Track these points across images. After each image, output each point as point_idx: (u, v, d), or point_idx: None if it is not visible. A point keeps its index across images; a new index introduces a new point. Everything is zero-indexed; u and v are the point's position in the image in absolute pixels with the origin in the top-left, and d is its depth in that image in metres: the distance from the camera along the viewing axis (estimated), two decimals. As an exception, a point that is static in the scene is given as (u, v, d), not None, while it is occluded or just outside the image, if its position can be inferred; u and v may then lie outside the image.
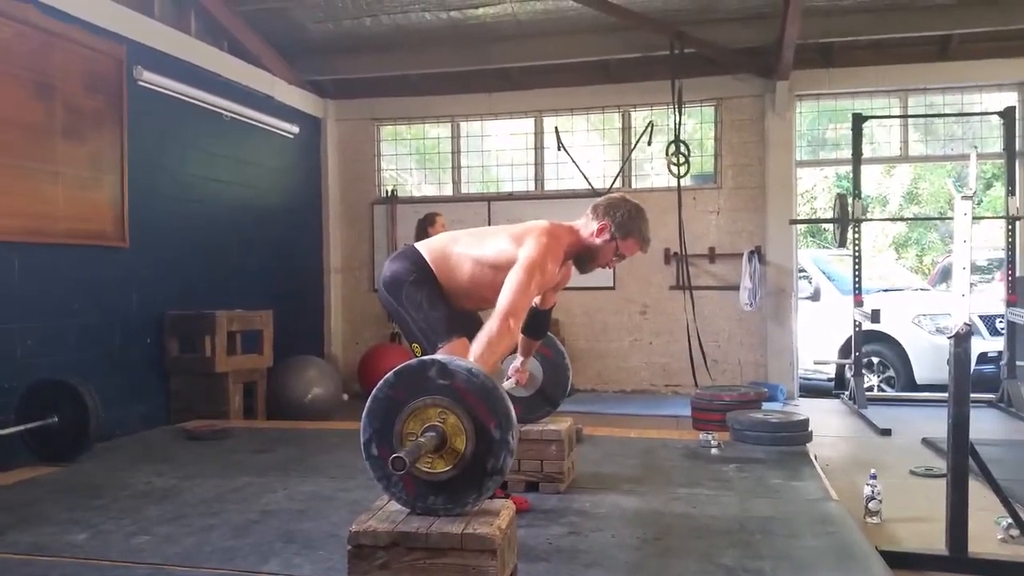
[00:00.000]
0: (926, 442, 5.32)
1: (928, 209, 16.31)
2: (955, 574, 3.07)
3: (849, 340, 7.39)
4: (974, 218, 3.16)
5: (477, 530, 2.33)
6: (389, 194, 8.79)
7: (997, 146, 7.42)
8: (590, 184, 8.25)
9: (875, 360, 8.07)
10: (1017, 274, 7.08)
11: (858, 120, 7.16)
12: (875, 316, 6.65)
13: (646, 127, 8.05)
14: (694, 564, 2.83)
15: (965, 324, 3.05)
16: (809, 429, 4.75)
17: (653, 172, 8.40)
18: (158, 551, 3.02)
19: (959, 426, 3.10)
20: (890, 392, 7.90)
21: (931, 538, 3.27)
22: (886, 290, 9.14)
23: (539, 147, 8.60)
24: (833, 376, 8.46)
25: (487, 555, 2.29)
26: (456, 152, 8.86)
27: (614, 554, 2.96)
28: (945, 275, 10.67)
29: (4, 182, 4.67)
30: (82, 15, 5.29)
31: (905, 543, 3.37)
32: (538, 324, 3.43)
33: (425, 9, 7.28)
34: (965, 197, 3.11)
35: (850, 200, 7.27)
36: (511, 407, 2.38)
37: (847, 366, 7.52)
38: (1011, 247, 7.07)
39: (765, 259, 7.74)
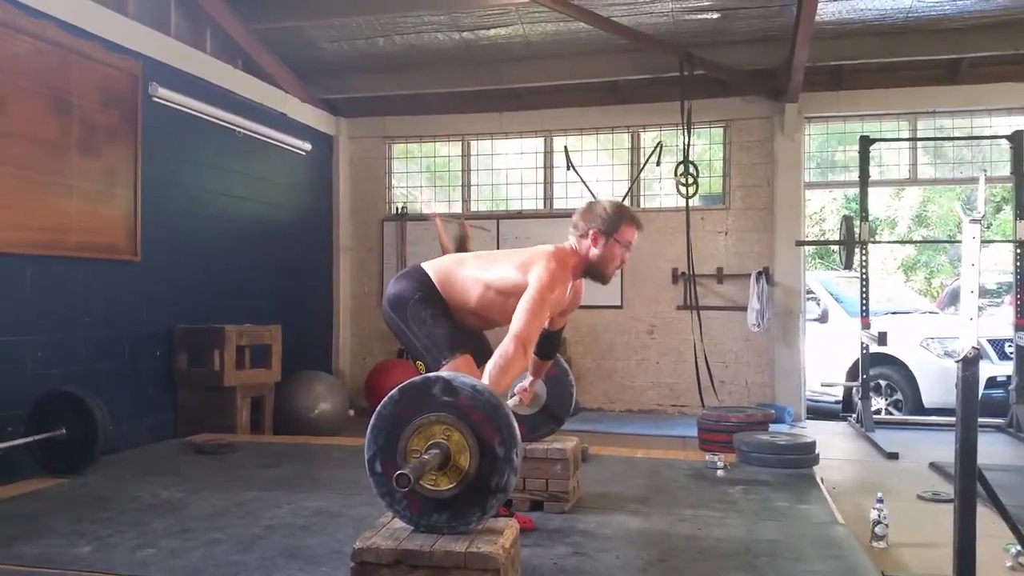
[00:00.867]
0: (934, 466, 5.29)
1: (937, 232, 16.28)
2: (962, 601, 3.05)
3: (857, 362, 7.36)
4: (983, 241, 3.16)
5: (481, 549, 2.33)
6: (399, 211, 8.84)
7: (1006, 169, 7.41)
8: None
9: (883, 383, 8.04)
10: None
11: (865, 143, 7.18)
12: (882, 339, 6.63)
13: (655, 147, 8.08)
14: (699, 586, 2.83)
15: (973, 348, 3.04)
16: (816, 452, 4.74)
17: (662, 192, 8.42)
18: (164, 564, 3.03)
19: (967, 451, 3.08)
20: (898, 415, 7.86)
21: (938, 564, 3.25)
22: (894, 312, 9.11)
23: (548, 166, 8.65)
24: (840, 398, 8.43)
25: (490, 574, 2.30)
26: (466, 170, 8.91)
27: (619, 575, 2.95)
28: (953, 298, 10.63)
29: (19, 195, 4.73)
30: (99, 32, 5.37)
31: (912, 568, 3.35)
32: (549, 345, 3.46)
33: (438, 30, 7.35)
34: (973, 220, 3.11)
35: (857, 222, 7.28)
36: (515, 425, 2.39)
37: (854, 389, 7.49)
38: (1020, 271, 7.05)
39: (773, 280, 7.74)
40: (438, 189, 9.27)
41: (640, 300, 8.19)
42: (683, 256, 7.78)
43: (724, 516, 3.72)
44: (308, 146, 8.01)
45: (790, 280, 7.78)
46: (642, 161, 8.28)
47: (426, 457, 2.35)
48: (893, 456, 5.76)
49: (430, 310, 3.00)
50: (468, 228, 6.82)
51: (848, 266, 7.37)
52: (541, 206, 8.66)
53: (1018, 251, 7.07)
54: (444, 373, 2.53)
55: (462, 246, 6.51)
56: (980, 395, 3.22)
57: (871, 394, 7.23)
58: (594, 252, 3.08)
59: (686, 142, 7.58)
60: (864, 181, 7.22)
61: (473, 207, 8.88)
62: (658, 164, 8.11)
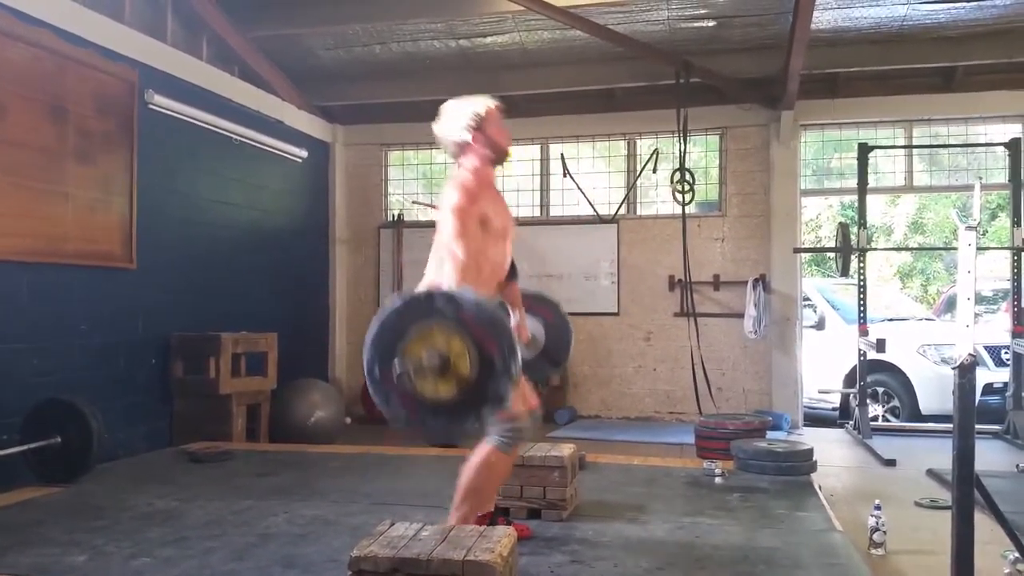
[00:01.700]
0: (931, 473, 5.28)
1: (933, 239, 16.32)
2: (961, 608, 3.04)
3: (854, 369, 7.36)
4: (979, 248, 3.17)
5: (478, 557, 2.32)
6: (396, 218, 8.84)
7: (1002, 177, 7.44)
8: (595, 210, 8.28)
9: (880, 390, 8.04)
10: (1023, 305, 7.06)
11: (863, 150, 7.20)
12: (880, 346, 6.64)
13: (651, 155, 8.10)
14: (697, 594, 2.82)
15: (970, 355, 3.05)
16: (813, 459, 4.74)
17: (658, 199, 8.44)
18: (158, 574, 3.01)
19: (964, 457, 3.08)
20: (895, 422, 7.86)
21: (936, 571, 3.25)
22: (891, 320, 9.13)
23: (545, 173, 8.65)
24: (838, 406, 8.43)
25: (489, 583, 2.28)
26: (462, 177, 8.90)
27: (616, 583, 2.94)
28: (950, 305, 10.64)
29: (15, 203, 4.72)
30: (96, 39, 5.37)
31: (910, 576, 3.35)
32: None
33: (435, 38, 7.37)
34: (969, 227, 3.12)
35: (854, 229, 7.29)
36: (516, 340, 2.41)
37: (852, 396, 7.49)
38: (1017, 277, 7.06)
39: (770, 287, 7.74)
40: (434, 196, 9.26)
41: (637, 307, 8.19)
42: (680, 263, 7.78)
43: (722, 524, 3.71)
44: (304, 153, 8.01)
45: (787, 287, 7.79)
46: (638, 168, 8.30)
47: (424, 355, 2.35)
48: (891, 463, 5.76)
49: None
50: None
51: (845, 273, 7.38)
52: (538, 213, 8.66)
53: (1015, 258, 7.08)
54: (447, 287, 2.53)
55: None
56: (977, 402, 3.22)
57: (868, 401, 7.23)
58: (484, 150, 3.18)
59: (682, 149, 7.60)
60: (862, 188, 7.24)
61: (470, 214, 8.87)
62: (654, 171, 8.13)
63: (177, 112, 6.11)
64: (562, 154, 8.39)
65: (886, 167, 8.85)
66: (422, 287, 3.09)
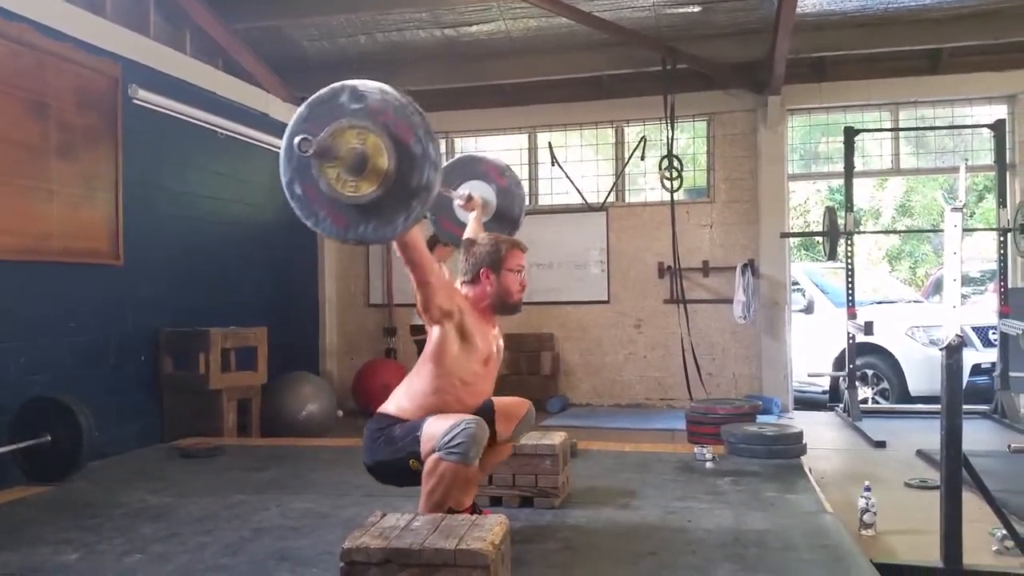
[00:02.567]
0: (920, 454, 5.32)
1: (920, 221, 16.39)
2: (950, 586, 3.07)
3: (843, 352, 7.41)
4: (966, 230, 3.19)
5: (470, 546, 2.33)
6: (384, 210, 8.81)
7: (988, 158, 7.47)
8: (584, 199, 8.28)
9: (869, 372, 8.08)
10: (1009, 285, 7.11)
11: (850, 134, 7.22)
12: (868, 328, 6.67)
13: (639, 142, 8.09)
14: (689, 578, 2.83)
15: (957, 336, 3.07)
16: (803, 442, 4.76)
17: (647, 187, 8.44)
18: (151, 570, 3.01)
19: (952, 438, 3.11)
20: (884, 404, 7.91)
21: (926, 550, 3.26)
22: (880, 302, 9.17)
23: (533, 162, 8.64)
24: (827, 389, 8.47)
25: (480, 571, 2.29)
26: (450, 168, 8.89)
27: (609, 569, 2.96)
28: (938, 287, 10.70)
29: (-2, 200, 4.68)
30: (76, 34, 5.32)
31: (900, 555, 3.37)
32: None
33: (419, 27, 7.33)
34: (955, 209, 3.14)
35: (841, 213, 7.31)
36: (429, 121, 2.36)
37: (841, 378, 7.53)
38: (1003, 258, 7.11)
39: (759, 272, 7.76)
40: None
41: (627, 295, 8.20)
42: (669, 250, 7.80)
43: (713, 508, 3.73)
44: (291, 146, 7.96)
45: (775, 272, 7.81)
46: (627, 155, 8.30)
47: (341, 157, 2.33)
48: (880, 444, 5.79)
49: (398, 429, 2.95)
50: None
51: (832, 257, 7.40)
52: (526, 203, 8.64)
53: (1001, 239, 7.12)
54: (349, 81, 2.44)
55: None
56: (965, 382, 3.24)
57: (857, 383, 7.26)
58: (490, 289, 3.07)
59: (670, 136, 7.59)
60: (849, 172, 7.25)
61: (458, 205, 8.86)
62: (643, 158, 8.12)
63: (161, 107, 6.05)
64: (550, 143, 8.38)
65: (873, 150, 8.88)
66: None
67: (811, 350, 8.41)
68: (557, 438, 3.89)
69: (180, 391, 5.88)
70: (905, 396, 7.85)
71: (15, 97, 4.84)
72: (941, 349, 3.10)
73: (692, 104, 7.89)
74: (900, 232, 16.92)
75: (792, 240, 8.76)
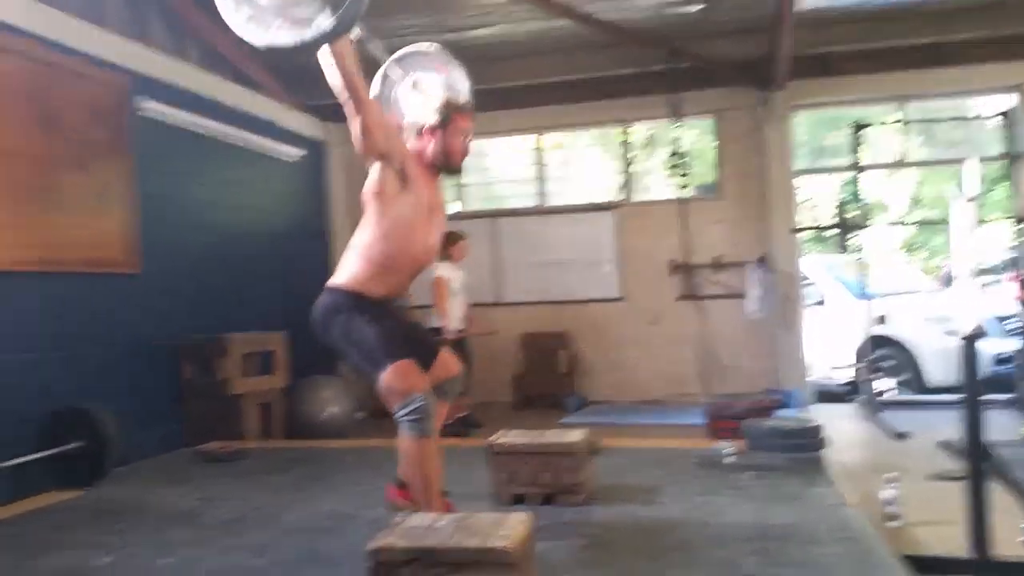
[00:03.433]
0: (943, 445, 5.31)
1: (933, 212, 16.32)
2: (979, 577, 3.07)
3: (861, 345, 7.39)
4: (979, 220, 3.20)
5: (495, 544, 2.35)
6: (395, 214, 8.85)
7: (998, 148, 7.44)
8: (592, 198, 8.30)
9: (888, 364, 8.05)
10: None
11: (857, 128, 7.20)
12: (885, 320, 6.65)
13: (646, 141, 8.10)
14: (716, 573, 2.85)
15: (976, 325, 3.08)
16: (824, 435, 4.76)
17: (656, 185, 8.45)
18: (183, 573, 3.05)
19: (973, 428, 3.12)
20: (905, 396, 7.87)
21: (952, 541, 3.27)
22: (896, 293, 9.14)
23: (541, 163, 8.66)
24: (847, 381, 8.45)
25: (506, 569, 2.32)
26: (460, 170, 8.92)
27: (636, 565, 2.97)
28: (948, 279, 10.65)
29: (15, 214, 4.71)
30: (83, 47, 5.35)
31: (926, 548, 3.38)
32: None
33: (422, 32, 7.33)
34: (966, 200, 3.15)
35: (851, 207, 7.31)
36: None
37: (859, 370, 7.52)
38: (1021, 247, 7.06)
39: (771, 267, 7.77)
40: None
41: (640, 292, 8.22)
42: (679, 247, 7.81)
43: (736, 502, 3.74)
44: (299, 153, 8.01)
45: (788, 266, 7.81)
46: (633, 155, 8.30)
47: None
48: (902, 436, 5.78)
49: (356, 321, 2.99)
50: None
51: (844, 250, 7.40)
52: (536, 203, 8.68)
53: (1018, 228, 7.07)
54: None
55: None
56: (988, 372, 3.25)
57: (877, 375, 7.23)
58: (434, 147, 3.13)
59: (676, 135, 7.59)
60: (856, 166, 7.25)
61: (468, 206, 8.90)
62: (650, 157, 8.13)
63: (169, 117, 6.10)
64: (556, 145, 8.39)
65: (881, 143, 8.87)
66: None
67: (830, 343, 8.38)
68: (577, 435, 3.90)
69: (201, 397, 5.91)
70: (924, 387, 7.80)
71: (26, 111, 4.88)
72: (961, 339, 3.11)
73: (698, 102, 7.89)
74: (908, 224, 16.86)
75: (804, 233, 8.75)
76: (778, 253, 7.80)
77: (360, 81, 2.83)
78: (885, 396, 7.51)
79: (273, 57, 2.45)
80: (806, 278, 8.68)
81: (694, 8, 6.95)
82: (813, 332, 8.10)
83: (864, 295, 7.16)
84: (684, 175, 7.72)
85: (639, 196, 8.45)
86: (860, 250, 7.22)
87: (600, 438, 4.99)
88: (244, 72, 7.35)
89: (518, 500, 3.76)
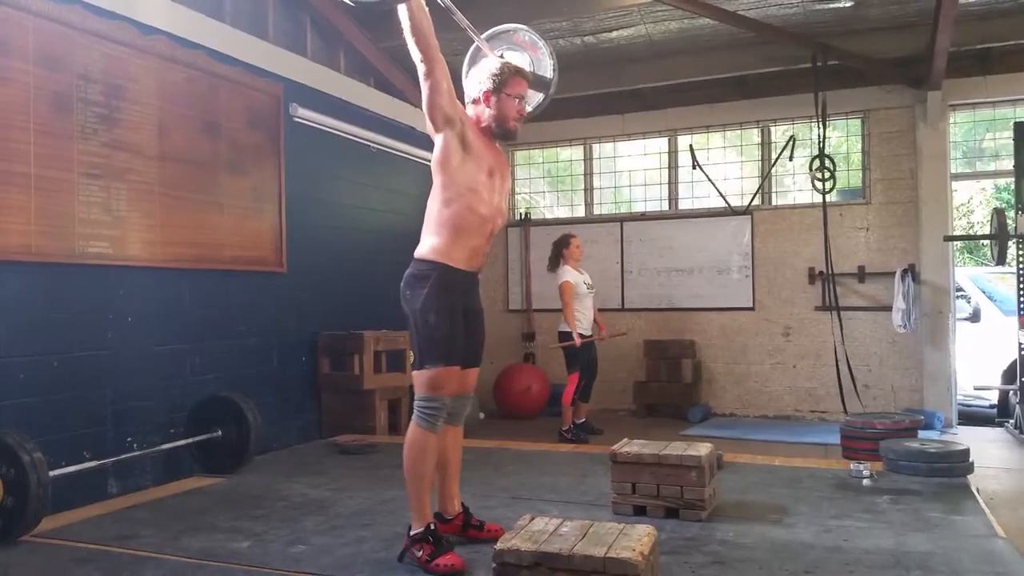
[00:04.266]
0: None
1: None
2: None
3: (1013, 364, 6.87)
4: None
5: (620, 554, 2.34)
6: (523, 217, 8.94)
7: None
8: (727, 201, 8.09)
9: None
10: None
11: (1020, 129, 6.69)
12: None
13: (787, 142, 7.83)
14: (847, 600, 2.72)
15: None
16: (970, 460, 4.45)
17: (795, 188, 8.15)
18: (315, 561, 3.19)
19: None
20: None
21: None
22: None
23: (673, 166, 8.54)
24: (995, 403, 7.87)
25: (630, 580, 2.30)
26: (588, 174, 8.92)
27: (760, 585, 2.88)
28: None
29: (176, 214, 5.10)
30: (244, 58, 5.72)
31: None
32: None
33: (560, 36, 7.39)
34: None
35: (1010, 214, 6.79)
36: None
37: (1011, 392, 6.98)
38: None
39: (919, 278, 7.33)
40: (560, 194, 9.32)
41: (773, 301, 7.95)
42: (819, 254, 7.48)
43: (871, 527, 3.56)
44: (435, 156, 8.22)
45: (938, 277, 7.35)
46: (773, 156, 8.04)
47: None
48: (1057, 465, 5.34)
49: (433, 304, 3.12)
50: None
51: (1001, 262, 6.88)
52: (666, 207, 8.55)
53: None
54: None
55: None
56: None
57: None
58: (490, 111, 3.18)
59: (821, 135, 7.29)
60: (1020, 169, 6.73)
61: (596, 210, 8.88)
62: (791, 159, 7.85)
63: (319, 123, 6.42)
64: (691, 145, 8.24)
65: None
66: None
67: (977, 361, 7.85)
68: (703, 449, 3.82)
69: (336, 391, 6.20)
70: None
71: (191, 118, 5.27)
72: None
73: (845, 102, 7.56)
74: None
75: (955, 244, 8.21)
76: (928, 263, 7.35)
77: (434, 42, 2.98)
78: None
79: (358, 12, 2.70)
80: (959, 290, 8.14)
81: (846, 3, 6.65)
82: (962, 349, 7.58)
83: (1020, 310, 6.63)
84: (828, 178, 7.38)
85: (778, 200, 8.17)
86: (1021, 262, 6.69)
87: (725, 452, 4.89)
88: (388, 80, 7.62)
89: (639, 511, 3.72)
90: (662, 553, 2.98)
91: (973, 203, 15.74)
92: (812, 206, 7.67)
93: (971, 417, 7.70)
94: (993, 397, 7.91)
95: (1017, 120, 6.86)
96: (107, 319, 4.61)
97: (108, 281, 4.62)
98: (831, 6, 6.71)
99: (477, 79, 3.29)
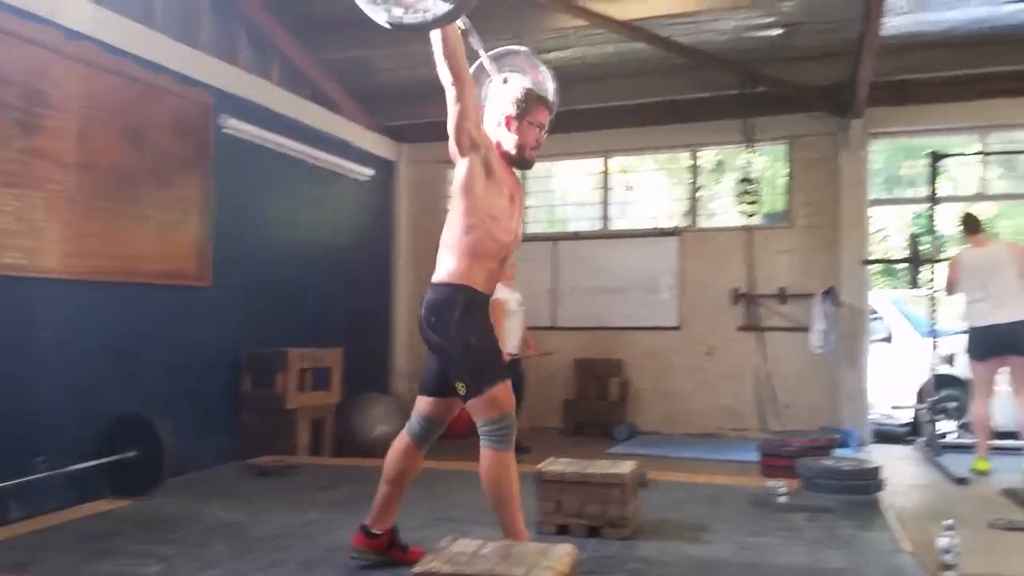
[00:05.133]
0: (1007, 493, 5.08)
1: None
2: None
3: (925, 384, 7.13)
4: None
5: (540, 575, 2.33)
6: (457, 234, 8.93)
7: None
8: (657, 223, 8.24)
9: (951, 405, 7.75)
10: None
11: (935, 158, 6.99)
12: (950, 360, 6.41)
13: (715, 166, 8.01)
14: (759, 618, 2.77)
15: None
16: (882, 477, 4.59)
17: (722, 211, 8.34)
18: (227, 586, 3.10)
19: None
20: (968, 439, 7.55)
21: (1013, 598, 3.12)
22: (964, 332, 8.80)
23: (606, 187, 8.64)
24: (908, 422, 8.15)
25: (548, 601, 2.29)
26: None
27: (676, 604, 2.91)
28: None
29: (96, 224, 4.94)
30: (173, 66, 5.59)
31: (984, 602, 3.23)
32: None
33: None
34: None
35: (925, 240, 7.07)
36: None
37: (922, 411, 7.24)
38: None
39: (838, 300, 7.56)
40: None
41: (698, 321, 8.10)
42: (743, 276, 7.67)
43: (787, 544, 3.64)
44: (371, 172, 8.18)
45: (856, 300, 7.58)
46: (701, 180, 8.22)
47: None
48: (962, 481, 5.55)
49: (473, 326, 3.03)
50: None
51: (914, 285, 7.16)
52: (599, 227, 8.65)
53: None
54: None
55: None
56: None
57: (940, 417, 6.96)
58: (509, 136, 3.16)
59: (748, 160, 7.48)
60: (934, 198, 7.02)
61: (529, 228, 8.92)
62: (719, 182, 8.03)
63: (250, 135, 6.31)
64: (622, 168, 8.36)
65: (959, 174, 8.57)
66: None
67: (892, 381, 8.12)
68: (627, 467, 3.86)
69: (258, 410, 6.04)
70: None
71: (116, 127, 5.12)
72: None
73: (772, 127, 7.78)
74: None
75: (873, 267, 8.51)
76: (846, 286, 7.59)
77: (466, 64, 2.97)
78: (947, 439, 7.20)
79: (397, 33, 2.68)
80: (874, 313, 8.43)
81: (775, 32, 6.86)
82: (877, 369, 7.84)
83: (932, 333, 6.91)
84: (753, 202, 7.58)
85: (705, 222, 8.35)
86: (931, 285, 6.97)
87: (649, 470, 4.94)
88: (324, 92, 7.55)
89: (562, 531, 3.73)
90: (582, 572, 2.97)
91: (892, 228, 16.34)
92: (738, 229, 7.86)
93: (885, 436, 7.96)
94: (906, 416, 8.19)
95: (932, 150, 7.15)
96: (18, 333, 4.43)
97: (21, 293, 4.45)
98: (761, 34, 6.92)
99: (497, 103, 3.25)
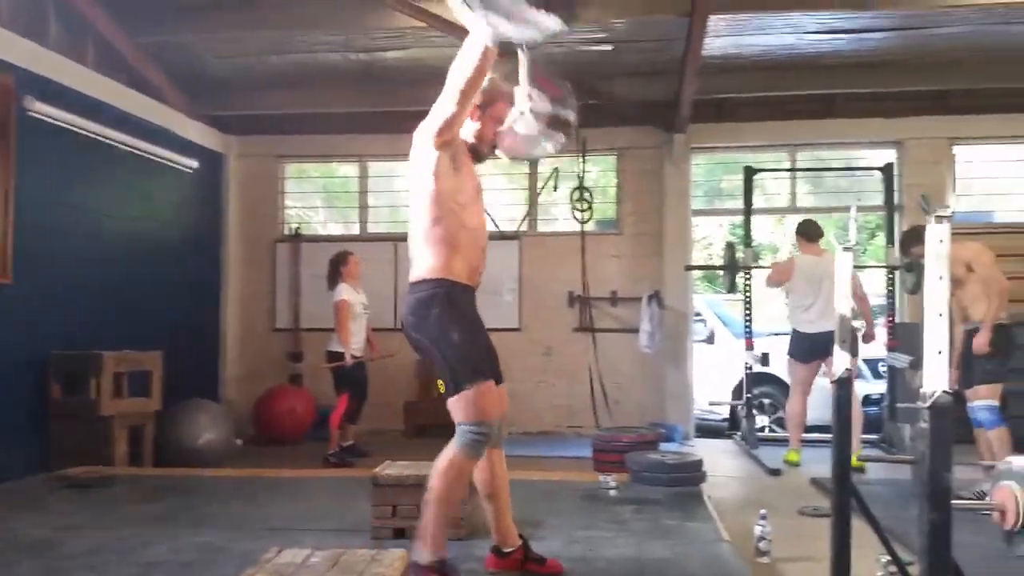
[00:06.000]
0: (814, 482, 5.52)
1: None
2: (838, 611, 3.17)
3: (742, 382, 7.64)
4: (857, 267, 3.34)
5: (370, 581, 2.28)
6: (294, 232, 8.65)
7: (879, 199, 7.84)
8: (497, 226, 8.32)
9: (766, 401, 8.37)
10: (897, 320, 7.50)
11: (749, 172, 7.51)
12: (764, 359, 6.92)
13: (552, 173, 8.21)
14: (591, 609, 2.85)
15: (847, 369, 3.21)
16: (703, 470, 4.87)
17: (560, 217, 8.56)
18: (28, 610, 2.83)
19: (842, 467, 3.23)
20: (781, 432, 8.17)
21: (817, 577, 3.38)
22: (777, 334, 9.51)
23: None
24: (727, 417, 8.71)
25: (380, 607, 2.25)
26: (364, 191, 8.82)
27: (512, 601, 2.94)
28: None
29: None
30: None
31: (792, 582, 3.47)
32: None
33: (333, 50, 7.28)
34: (846, 248, 3.29)
35: (740, 248, 7.59)
36: None
37: (739, 407, 7.76)
38: (891, 294, 7.50)
39: (663, 303, 7.95)
40: (335, 210, 9.14)
41: (537, 323, 8.27)
42: (578, 279, 7.91)
43: (615, 536, 3.78)
44: (195, 164, 7.75)
45: (679, 303, 8.02)
46: (539, 186, 8.41)
47: None
48: (776, 472, 5.99)
49: (450, 322, 2.95)
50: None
51: (731, 290, 7.66)
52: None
53: (889, 276, 7.51)
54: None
55: None
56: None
57: (755, 412, 7.49)
58: (471, 125, 3.13)
59: (581, 169, 7.73)
60: (748, 209, 7.54)
61: (371, 228, 8.79)
62: (555, 189, 8.24)
63: (60, 120, 5.81)
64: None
65: (772, 188, 9.26)
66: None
67: (712, 379, 8.64)
68: (463, 467, 3.85)
69: (68, 418, 5.57)
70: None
71: None
72: (833, 381, 3.24)
73: (603, 139, 8.07)
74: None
75: (695, 272, 9.03)
76: (671, 290, 8.00)
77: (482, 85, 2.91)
78: (763, 432, 7.76)
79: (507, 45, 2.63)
80: (697, 315, 8.93)
81: (607, 48, 7.11)
82: (699, 368, 8.32)
83: (747, 334, 7.42)
84: (586, 209, 7.86)
85: (543, 227, 8.54)
86: (748, 290, 7.48)
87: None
88: (144, 78, 7.08)
89: (399, 534, 3.68)
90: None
91: (713, 237, 17.40)
92: (573, 234, 8.10)
93: (707, 430, 8.46)
94: (725, 411, 8.73)
95: (746, 164, 7.69)
96: None
97: None
98: (594, 48, 7.16)
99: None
